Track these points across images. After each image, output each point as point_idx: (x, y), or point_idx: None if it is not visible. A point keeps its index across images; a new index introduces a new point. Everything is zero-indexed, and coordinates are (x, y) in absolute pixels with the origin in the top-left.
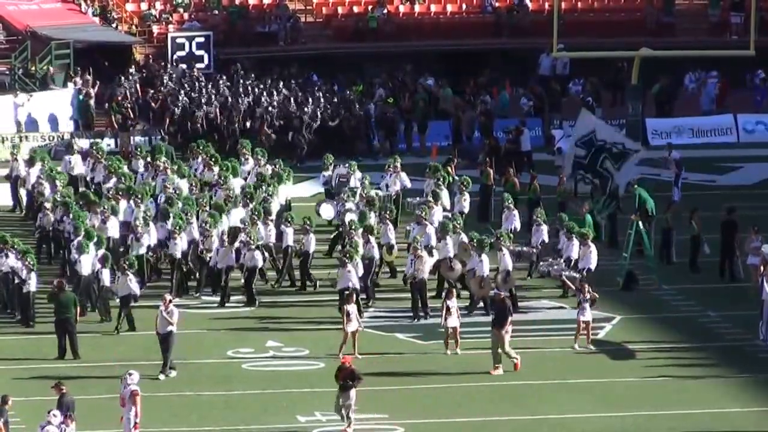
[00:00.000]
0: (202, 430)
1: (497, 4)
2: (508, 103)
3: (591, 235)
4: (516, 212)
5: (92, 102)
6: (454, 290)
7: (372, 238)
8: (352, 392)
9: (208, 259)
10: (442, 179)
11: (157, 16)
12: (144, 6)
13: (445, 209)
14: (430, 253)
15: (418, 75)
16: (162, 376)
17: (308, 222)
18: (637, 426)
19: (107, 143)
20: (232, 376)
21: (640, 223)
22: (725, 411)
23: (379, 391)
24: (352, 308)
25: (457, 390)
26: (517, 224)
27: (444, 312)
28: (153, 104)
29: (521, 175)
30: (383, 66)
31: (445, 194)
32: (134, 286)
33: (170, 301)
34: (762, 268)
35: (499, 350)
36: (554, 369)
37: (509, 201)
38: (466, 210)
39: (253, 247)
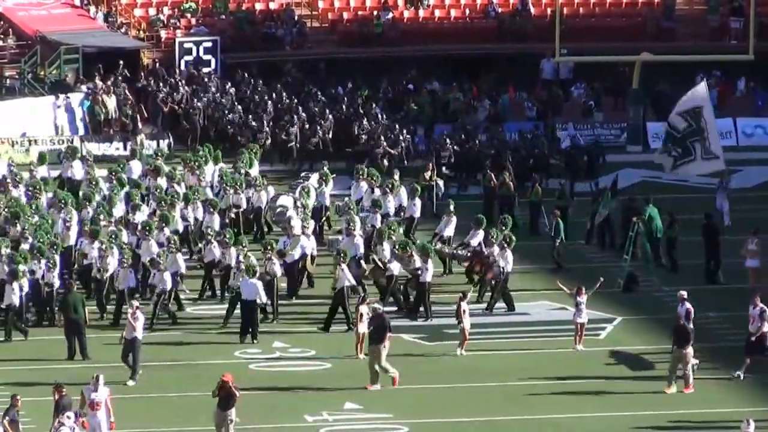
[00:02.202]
0: (209, 430)
1: (500, 9)
2: (509, 106)
3: (512, 240)
4: (454, 219)
5: (104, 106)
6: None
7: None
8: (233, 410)
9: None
10: (382, 183)
11: (165, 21)
12: (152, 11)
13: (389, 215)
14: (359, 264)
15: (424, 80)
16: (131, 382)
17: (226, 236)
18: (636, 426)
19: (116, 147)
20: (239, 377)
21: (641, 224)
22: (725, 411)
23: (384, 391)
24: (365, 309)
25: (462, 390)
26: (450, 231)
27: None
28: (164, 107)
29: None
30: (389, 71)
31: (390, 199)
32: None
33: (137, 308)
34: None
35: (377, 366)
36: (557, 370)
37: (451, 206)
38: (417, 215)
39: (163, 268)
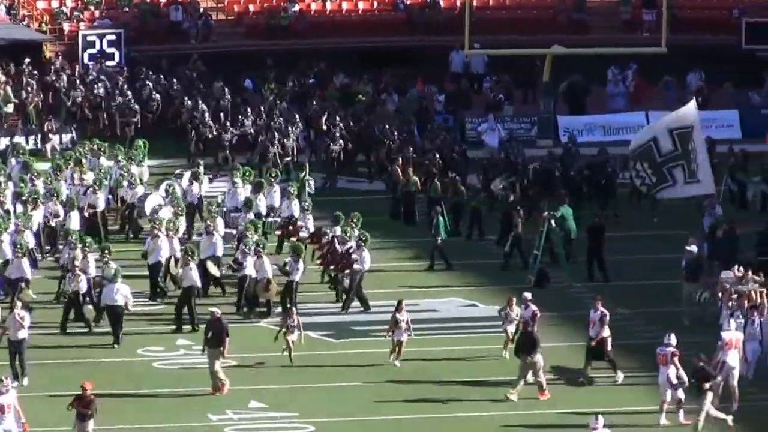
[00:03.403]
0: (112, 429)
1: (409, 1)
2: (417, 100)
3: (367, 239)
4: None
5: (6, 100)
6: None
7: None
8: (91, 423)
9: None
10: (251, 182)
11: (68, 14)
12: (55, 3)
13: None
14: (218, 264)
15: (333, 73)
16: (25, 381)
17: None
18: (550, 423)
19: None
20: (142, 376)
21: (553, 221)
22: (639, 410)
23: (289, 389)
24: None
25: (368, 389)
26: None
27: (392, 325)
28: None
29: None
30: (296, 65)
31: (261, 198)
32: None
33: (21, 306)
34: (720, 294)
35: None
36: (466, 368)
37: (309, 201)
38: (296, 215)
39: (78, 271)
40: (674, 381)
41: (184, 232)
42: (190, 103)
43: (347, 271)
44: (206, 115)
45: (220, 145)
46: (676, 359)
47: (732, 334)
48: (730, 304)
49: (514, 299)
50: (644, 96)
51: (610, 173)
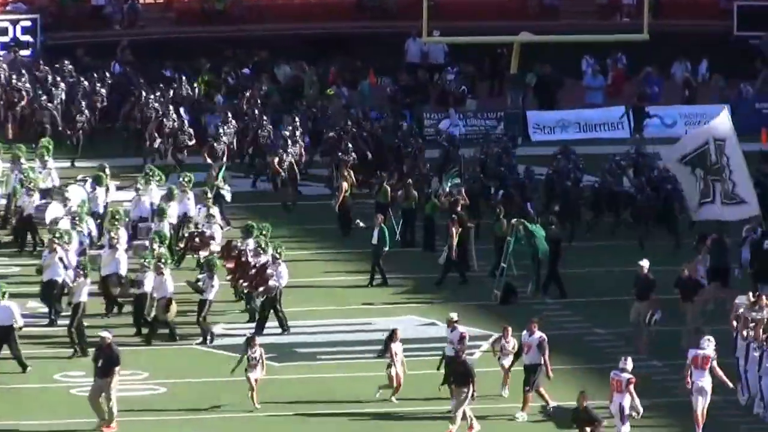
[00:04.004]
0: None
1: None
2: (369, 93)
3: (279, 253)
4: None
5: None
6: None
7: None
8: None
9: None
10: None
11: None
12: None
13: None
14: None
15: (274, 63)
16: None
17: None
18: None
19: None
20: (60, 403)
21: (522, 228)
22: None
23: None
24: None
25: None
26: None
27: (392, 357)
28: None
29: None
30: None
31: (173, 206)
32: None
33: None
34: (734, 323)
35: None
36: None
37: (213, 209)
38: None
39: None
40: (627, 411)
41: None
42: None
43: (261, 289)
44: (171, 114)
45: (177, 146)
46: (632, 387)
47: (701, 352)
48: (745, 333)
49: (510, 329)
50: (625, 89)
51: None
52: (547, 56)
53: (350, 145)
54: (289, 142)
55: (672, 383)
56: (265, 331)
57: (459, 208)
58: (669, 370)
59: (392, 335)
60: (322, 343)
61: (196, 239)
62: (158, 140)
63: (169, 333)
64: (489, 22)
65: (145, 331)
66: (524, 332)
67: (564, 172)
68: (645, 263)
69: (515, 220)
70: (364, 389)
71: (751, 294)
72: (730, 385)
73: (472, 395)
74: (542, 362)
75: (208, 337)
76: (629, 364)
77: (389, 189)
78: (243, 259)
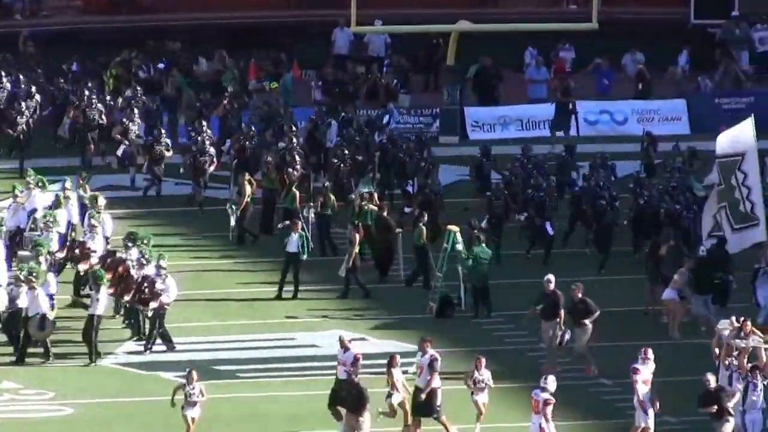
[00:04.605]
0: None
1: None
2: (292, 87)
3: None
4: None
5: None
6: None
7: None
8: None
9: None
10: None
11: None
12: None
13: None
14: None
15: (190, 56)
16: None
17: None
18: None
19: None
20: None
21: (458, 234)
22: None
23: None
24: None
25: None
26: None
27: (392, 384)
28: None
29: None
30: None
31: (62, 214)
32: None
33: None
34: (715, 350)
35: None
36: None
37: (96, 218)
38: (108, 234)
39: None
40: None
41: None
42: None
43: (153, 305)
44: (137, 119)
45: (154, 157)
46: (548, 409)
47: (645, 367)
48: (727, 362)
49: (483, 360)
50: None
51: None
52: (487, 47)
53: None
54: (207, 142)
55: (624, 403)
56: (180, 347)
57: (386, 213)
58: (622, 390)
59: (391, 361)
60: (243, 359)
61: (77, 250)
62: (123, 147)
63: (43, 351)
64: (425, 11)
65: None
66: (418, 352)
67: (591, 191)
68: (551, 278)
69: (450, 227)
70: (287, 408)
71: (734, 319)
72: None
73: (370, 419)
74: (435, 384)
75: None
76: (551, 384)
77: (297, 194)
78: (125, 270)
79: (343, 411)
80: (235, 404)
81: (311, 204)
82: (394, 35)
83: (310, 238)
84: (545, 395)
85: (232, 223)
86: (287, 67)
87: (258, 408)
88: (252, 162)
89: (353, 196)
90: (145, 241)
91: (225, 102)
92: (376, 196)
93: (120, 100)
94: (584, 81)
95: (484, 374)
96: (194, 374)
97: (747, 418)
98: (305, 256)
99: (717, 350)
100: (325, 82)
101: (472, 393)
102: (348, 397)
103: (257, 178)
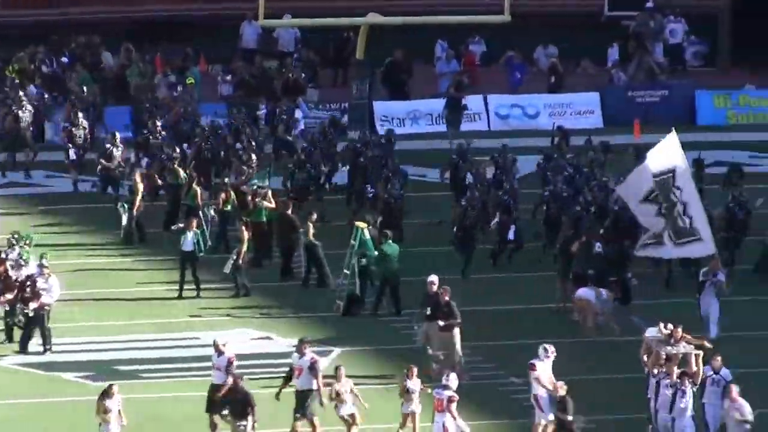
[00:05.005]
0: None
1: None
2: (200, 82)
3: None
4: None
5: None
6: None
7: None
8: None
9: None
10: None
11: None
12: None
13: None
14: None
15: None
16: None
17: None
18: None
19: None
20: None
21: (366, 231)
22: None
23: None
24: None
25: None
26: None
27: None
28: None
29: None
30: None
31: None
32: None
33: None
34: (645, 357)
35: None
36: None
37: None
38: None
39: None
40: None
41: None
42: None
43: (32, 305)
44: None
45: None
46: (453, 406)
47: (543, 364)
48: (656, 371)
49: (414, 369)
50: (480, 76)
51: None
52: (398, 40)
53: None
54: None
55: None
56: (82, 348)
57: (289, 211)
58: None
59: (336, 372)
60: (145, 359)
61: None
62: (71, 150)
63: None
64: (334, 3)
65: None
66: (294, 354)
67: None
68: (434, 278)
69: (357, 223)
70: (191, 408)
71: (662, 325)
72: None
73: (253, 426)
74: (315, 387)
75: None
76: (453, 381)
77: (198, 191)
78: (5, 270)
79: (218, 421)
80: (137, 405)
81: (212, 201)
82: (303, 29)
83: (208, 235)
84: (448, 393)
85: (124, 222)
86: (194, 61)
87: (161, 408)
88: (207, 163)
89: (246, 192)
90: (27, 242)
91: (177, 107)
92: (270, 192)
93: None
94: (496, 75)
95: (416, 383)
96: (113, 388)
97: (676, 426)
98: (202, 254)
99: (645, 357)
100: (233, 76)
101: (402, 404)
102: (232, 402)
103: (152, 172)
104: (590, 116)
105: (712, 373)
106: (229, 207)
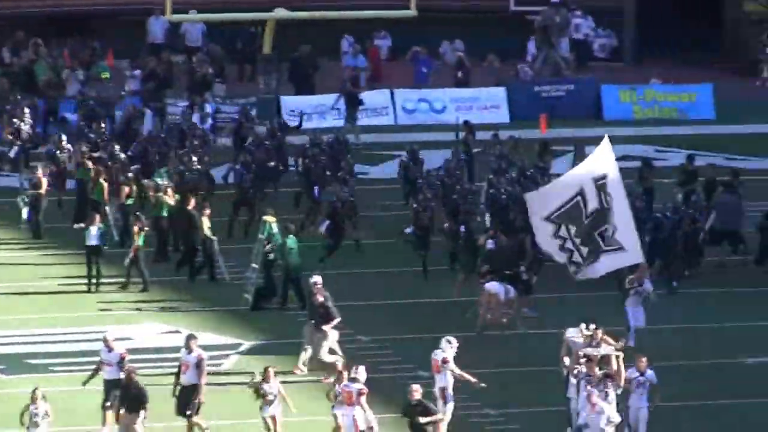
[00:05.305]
0: None
1: None
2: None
3: None
4: None
5: None
6: None
7: None
8: None
9: None
10: None
11: None
12: None
13: None
14: None
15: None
16: None
17: None
18: None
19: None
20: None
21: (274, 225)
22: None
23: None
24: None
25: None
26: None
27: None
28: None
29: None
30: None
31: None
32: None
33: None
34: (565, 359)
35: None
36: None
37: None
38: None
39: None
40: (361, 426)
41: None
42: None
43: None
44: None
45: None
46: (363, 399)
47: (439, 354)
48: (576, 371)
49: (272, 370)
50: (386, 71)
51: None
52: (305, 35)
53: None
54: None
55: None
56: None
57: (191, 207)
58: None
59: (265, 374)
60: (55, 353)
61: None
62: (15, 148)
63: None
64: None
65: None
66: (183, 350)
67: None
68: (317, 280)
69: (265, 217)
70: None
71: (584, 326)
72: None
73: (142, 421)
74: (201, 383)
75: None
76: (362, 374)
77: (105, 185)
78: None
79: (110, 416)
80: (49, 398)
81: (118, 196)
82: (210, 24)
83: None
84: (357, 386)
85: (24, 216)
86: (102, 55)
87: (72, 401)
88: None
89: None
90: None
91: (131, 106)
92: (170, 188)
93: None
94: (402, 69)
95: (274, 386)
96: (37, 392)
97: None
98: (106, 247)
99: (566, 359)
100: (141, 71)
101: (261, 407)
102: (126, 397)
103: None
104: (496, 111)
105: (637, 374)
106: (130, 201)
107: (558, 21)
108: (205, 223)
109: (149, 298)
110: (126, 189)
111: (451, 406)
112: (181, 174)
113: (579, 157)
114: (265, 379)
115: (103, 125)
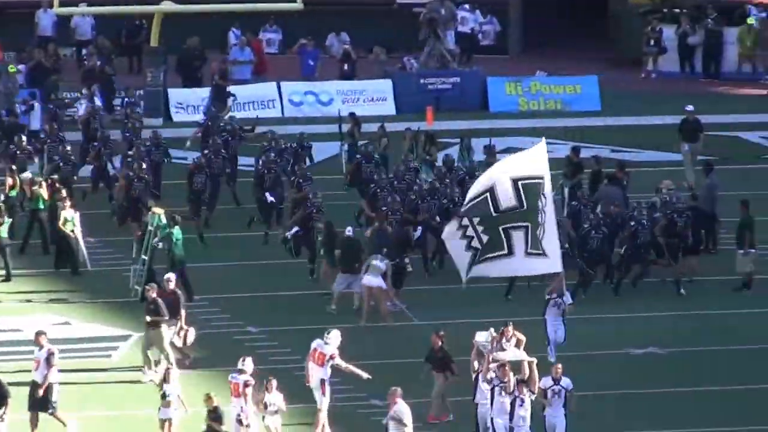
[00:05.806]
0: None
1: None
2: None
3: None
4: None
5: None
6: None
7: None
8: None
9: None
10: None
11: None
12: None
13: None
14: None
15: None
16: None
17: None
18: None
19: None
20: None
21: (163, 216)
22: None
23: None
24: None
25: None
26: None
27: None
28: None
29: None
30: None
31: None
32: None
33: None
34: (474, 363)
35: None
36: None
37: None
38: None
39: None
40: (245, 420)
41: None
42: None
43: None
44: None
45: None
46: (249, 390)
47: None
48: (489, 376)
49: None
50: (273, 63)
51: None
52: (193, 28)
53: None
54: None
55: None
56: None
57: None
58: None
59: (266, 385)
60: None
61: None
62: None
63: None
64: None
65: None
66: (35, 347)
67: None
68: (171, 277)
69: (154, 210)
70: None
71: (492, 330)
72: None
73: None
74: (52, 379)
75: None
76: (248, 365)
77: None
78: None
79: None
80: None
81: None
82: (98, 17)
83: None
84: (244, 377)
85: None
86: None
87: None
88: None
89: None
90: None
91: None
92: (44, 182)
93: None
94: (289, 62)
95: (174, 388)
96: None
97: None
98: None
99: (476, 363)
100: (27, 64)
101: (159, 409)
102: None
103: None
104: (383, 103)
105: (551, 383)
106: (13, 193)
107: (443, 14)
108: (61, 217)
109: (42, 289)
110: (10, 180)
111: (328, 398)
112: (56, 167)
113: (465, 148)
114: (267, 389)
115: None
